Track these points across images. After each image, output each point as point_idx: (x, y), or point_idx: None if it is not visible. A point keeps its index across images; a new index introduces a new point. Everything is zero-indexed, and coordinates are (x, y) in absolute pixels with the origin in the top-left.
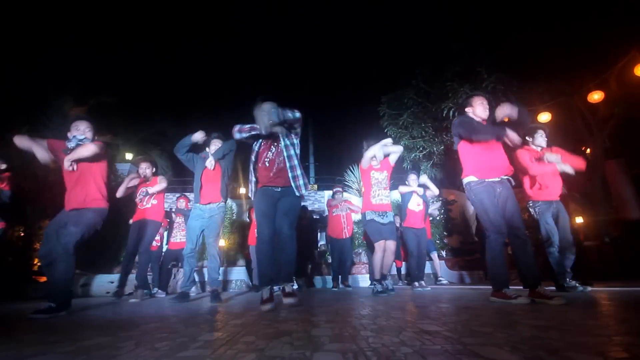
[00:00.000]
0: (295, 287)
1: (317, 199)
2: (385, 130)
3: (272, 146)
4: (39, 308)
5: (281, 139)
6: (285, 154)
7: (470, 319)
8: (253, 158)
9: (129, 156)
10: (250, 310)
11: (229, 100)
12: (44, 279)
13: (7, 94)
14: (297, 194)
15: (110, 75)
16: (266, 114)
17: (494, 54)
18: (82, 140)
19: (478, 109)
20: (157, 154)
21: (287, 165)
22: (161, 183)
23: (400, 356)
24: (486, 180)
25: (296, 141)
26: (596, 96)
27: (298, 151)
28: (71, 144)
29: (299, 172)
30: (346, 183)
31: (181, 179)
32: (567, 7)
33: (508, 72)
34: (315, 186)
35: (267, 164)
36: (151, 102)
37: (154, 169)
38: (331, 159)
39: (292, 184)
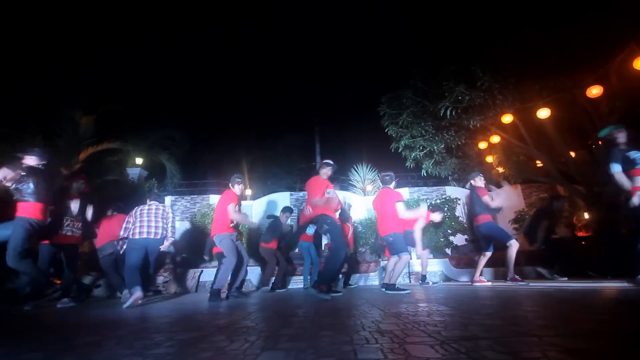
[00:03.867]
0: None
1: None
2: (386, 130)
3: None
4: None
5: None
6: None
7: (434, 319)
8: None
9: (139, 161)
10: (240, 310)
11: (234, 102)
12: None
13: (19, 104)
14: None
15: (118, 81)
16: None
17: (489, 51)
18: None
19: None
20: (165, 158)
21: None
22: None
23: (335, 353)
24: None
25: None
26: (595, 91)
27: None
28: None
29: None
30: (350, 182)
31: (189, 181)
32: (563, 1)
33: (504, 69)
34: None
35: None
36: (159, 107)
37: None
38: (336, 159)
39: None
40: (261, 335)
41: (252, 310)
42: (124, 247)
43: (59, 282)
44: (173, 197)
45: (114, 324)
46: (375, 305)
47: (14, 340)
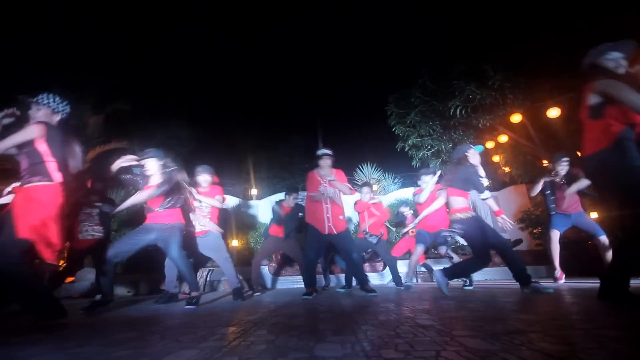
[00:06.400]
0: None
1: None
2: (393, 129)
3: None
4: None
5: None
6: None
7: (467, 314)
8: None
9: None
10: (263, 307)
11: (238, 102)
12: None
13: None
14: None
15: (125, 80)
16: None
17: (500, 51)
18: None
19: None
20: (172, 158)
21: None
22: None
23: (392, 346)
24: None
25: None
26: None
27: None
28: None
29: None
30: (356, 182)
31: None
32: (573, 2)
33: (515, 69)
34: None
35: None
36: (165, 106)
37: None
38: (341, 158)
39: None
40: (303, 330)
41: (273, 307)
42: None
43: (71, 279)
44: None
45: (141, 320)
46: (397, 303)
47: (55, 336)
